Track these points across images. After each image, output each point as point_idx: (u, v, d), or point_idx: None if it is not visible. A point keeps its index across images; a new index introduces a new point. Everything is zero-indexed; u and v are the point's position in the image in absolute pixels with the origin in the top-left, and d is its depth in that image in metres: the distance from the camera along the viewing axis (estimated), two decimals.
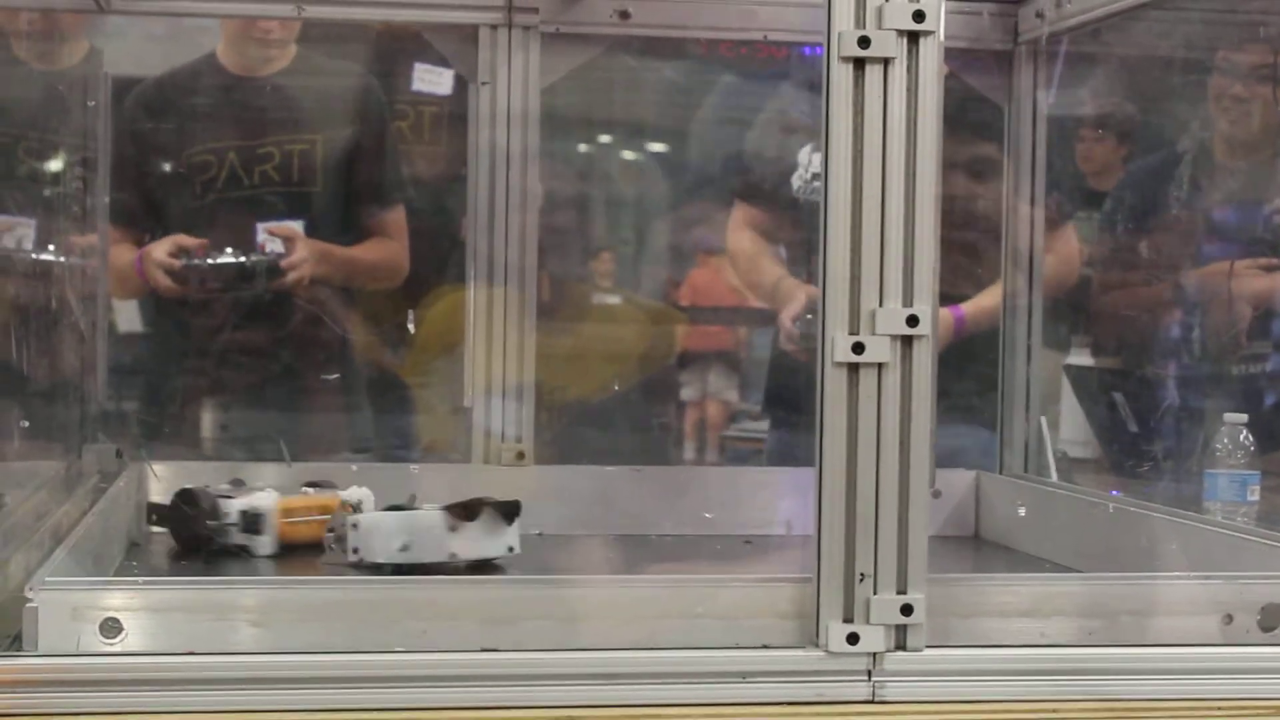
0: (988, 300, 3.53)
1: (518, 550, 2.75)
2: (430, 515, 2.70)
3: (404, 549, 2.66)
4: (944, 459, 3.08)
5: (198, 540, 2.80)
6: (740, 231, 3.89)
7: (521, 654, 2.00)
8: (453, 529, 2.68)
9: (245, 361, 3.72)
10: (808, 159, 3.79)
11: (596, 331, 4.65)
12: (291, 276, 3.57)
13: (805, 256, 3.84)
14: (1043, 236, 3.29)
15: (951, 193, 3.51)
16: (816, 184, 3.77)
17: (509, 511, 2.75)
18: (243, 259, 3.53)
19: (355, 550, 2.69)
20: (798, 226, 3.84)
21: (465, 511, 2.70)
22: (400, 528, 2.67)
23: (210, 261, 3.52)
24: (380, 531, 2.69)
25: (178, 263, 3.51)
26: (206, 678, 1.94)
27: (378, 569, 2.66)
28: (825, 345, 2.02)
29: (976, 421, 3.39)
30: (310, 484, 2.96)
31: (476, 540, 2.70)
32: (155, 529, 2.90)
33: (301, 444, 3.62)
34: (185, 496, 2.83)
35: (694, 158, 5.05)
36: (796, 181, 3.79)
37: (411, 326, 3.96)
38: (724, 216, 4.05)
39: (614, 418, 4.53)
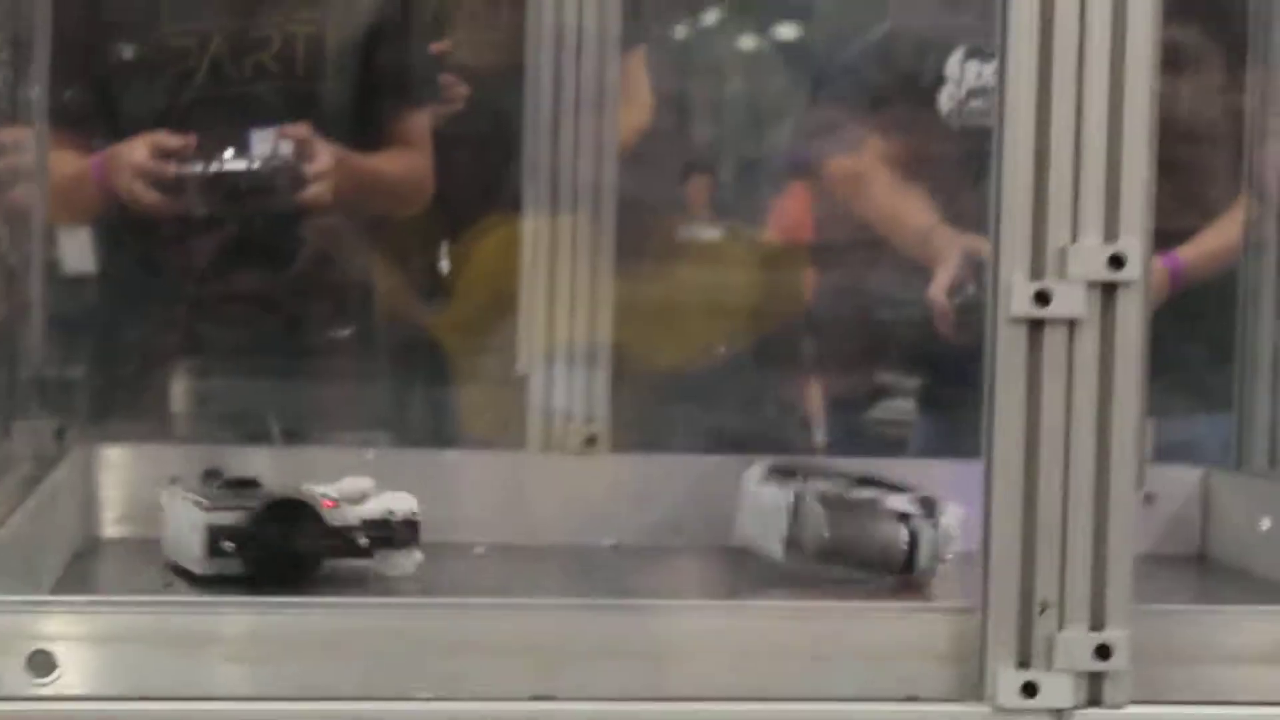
0: (1214, 240, 3.50)
1: None
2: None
3: None
4: (1160, 451, 3.06)
5: (299, 563, 2.81)
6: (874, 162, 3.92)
7: (588, 704, 2.02)
8: None
9: (233, 312, 3.75)
10: (959, 70, 3.77)
11: (694, 277, 4.66)
12: (314, 189, 3.60)
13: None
14: None
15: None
16: (974, 103, 3.78)
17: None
18: (256, 165, 3.54)
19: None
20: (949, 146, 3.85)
21: None
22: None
23: (215, 168, 3.53)
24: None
25: (169, 169, 3.53)
26: None
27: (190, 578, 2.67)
28: (998, 294, 2.01)
29: (1206, 401, 3.37)
30: None
31: None
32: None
33: (304, 423, 3.65)
34: (281, 508, 2.85)
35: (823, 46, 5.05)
36: (947, 101, 3.80)
37: (445, 265, 3.96)
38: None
39: (717, 392, 4.53)
